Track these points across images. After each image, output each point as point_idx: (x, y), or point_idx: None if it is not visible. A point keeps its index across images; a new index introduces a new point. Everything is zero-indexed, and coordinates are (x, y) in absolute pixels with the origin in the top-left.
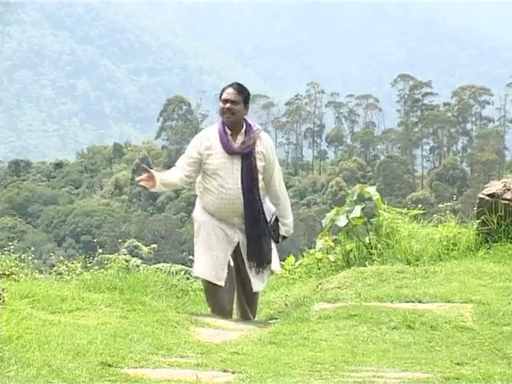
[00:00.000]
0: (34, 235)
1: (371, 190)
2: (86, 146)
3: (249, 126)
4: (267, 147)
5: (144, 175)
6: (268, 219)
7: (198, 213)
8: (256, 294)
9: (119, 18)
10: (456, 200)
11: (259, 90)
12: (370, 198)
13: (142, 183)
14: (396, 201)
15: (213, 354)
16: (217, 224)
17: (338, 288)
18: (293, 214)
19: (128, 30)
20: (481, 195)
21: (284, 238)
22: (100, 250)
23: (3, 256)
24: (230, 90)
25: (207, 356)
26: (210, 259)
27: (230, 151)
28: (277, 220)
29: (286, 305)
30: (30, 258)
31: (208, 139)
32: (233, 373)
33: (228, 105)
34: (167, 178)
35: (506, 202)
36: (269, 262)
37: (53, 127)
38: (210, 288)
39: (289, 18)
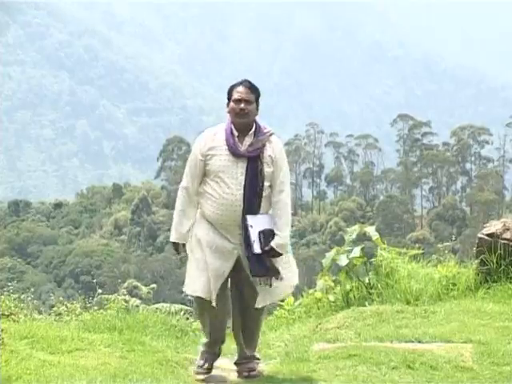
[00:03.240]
0: (33, 275)
1: (370, 230)
2: (86, 186)
3: (258, 127)
4: (277, 152)
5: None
6: (263, 227)
7: (197, 227)
8: (258, 311)
9: (119, 59)
10: (455, 240)
11: None
12: (369, 238)
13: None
14: (395, 240)
15: None
16: (216, 239)
17: (338, 328)
18: (292, 254)
19: (127, 71)
20: (480, 235)
21: (276, 252)
22: (99, 291)
23: (3, 296)
24: (242, 89)
25: None
26: (205, 277)
27: (235, 153)
28: (272, 232)
29: (285, 345)
30: (29, 298)
31: (213, 139)
32: None
33: (242, 105)
34: (189, 218)
35: (506, 241)
36: (274, 273)
37: (52, 167)
38: (202, 307)
39: (288, 58)
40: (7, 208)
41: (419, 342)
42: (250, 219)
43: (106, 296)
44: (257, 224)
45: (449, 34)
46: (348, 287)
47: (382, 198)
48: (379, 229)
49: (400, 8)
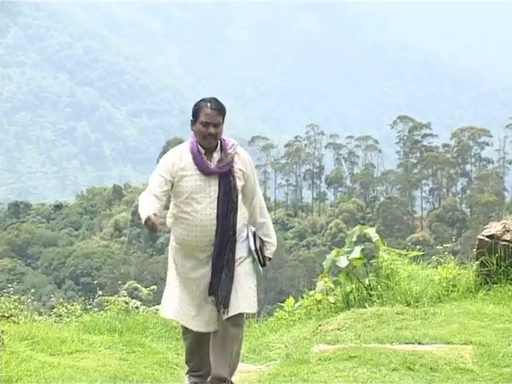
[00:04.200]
0: (33, 277)
1: (371, 232)
2: (86, 187)
3: (223, 141)
4: (246, 164)
5: (155, 220)
6: (253, 243)
7: (170, 252)
8: (236, 330)
9: (119, 60)
10: (455, 241)
11: (258, 132)
12: (369, 239)
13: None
14: (396, 242)
15: None
16: (188, 265)
17: (338, 330)
18: (292, 256)
19: (127, 72)
20: (480, 236)
21: (269, 259)
22: (100, 292)
23: (3, 298)
24: (210, 111)
25: None
26: (183, 302)
27: (206, 172)
28: (260, 240)
29: (285, 346)
30: (29, 300)
31: (181, 159)
32: None
33: (211, 129)
34: (155, 205)
35: (506, 243)
36: (225, 297)
37: (52, 169)
38: (183, 331)
39: (288, 60)
40: (7, 209)
41: (419, 343)
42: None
43: (106, 297)
44: (252, 245)
45: (449, 36)
46: (348, 289)
47: (382, 199)
48: (379, 230)
49: (400, 10)
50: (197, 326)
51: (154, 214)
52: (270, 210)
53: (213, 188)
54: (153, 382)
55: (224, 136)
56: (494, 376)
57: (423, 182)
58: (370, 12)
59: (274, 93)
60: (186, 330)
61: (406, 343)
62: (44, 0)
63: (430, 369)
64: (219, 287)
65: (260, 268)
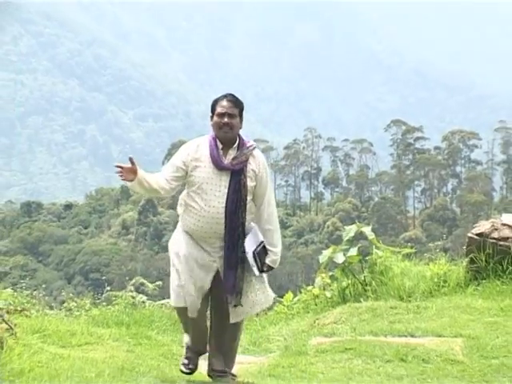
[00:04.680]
0: (44, 273)
1: (367, 230)
2: (95, 188)
3: (242, 140)
4: (260, 166)
5: (126, 165)
6: (255, 246)
7: (175, 239)
8: (235, 327)
9: (126, 67)
10: (446, 239)
11: (259, 135)
12: (364, 237)
13: (120, 174)
14: (389, 240)
15: None
16: (195, 253)
17: (334, 323)
18: (291, 253)
19: (134, 78)
20: (470, 234)
21: (270, 268)
22: (108, 287)
23: (16, 293)
24: (226, 103)
25: None
26: (186, 289)
27: (219, 166)
28: (264, 248)
29: (284, 339)
30: (41, 294)
31: (197, 150)
32: None
33: (226, 119)
34: (149, 178)
35: (494, 240)
36: (240, 294)
37: (63, 170)
38: (185, 317)
39: (287, 67)
40: (20, 209)
41: (412, 336)
42: (245, 245)
43: (114, 292)
44: (249, 246)
45: (440, 45)
46: (344, 284)
47: (376, 199)
48: (374, 229)
49: (394, 19)
50: (202, 315)
51: (132, 162)
52: None
53: (223, 183)
54: (158, 372)
55: (245, 137)
56: (483, 367)
57: (415, 182)
58: (366, 21)
59: (274, 98)
60: (182, 318)
61: (399, 336)
62: (55, 9)
63: (422, 360)
64: (235, 283)
65: (256, 272)
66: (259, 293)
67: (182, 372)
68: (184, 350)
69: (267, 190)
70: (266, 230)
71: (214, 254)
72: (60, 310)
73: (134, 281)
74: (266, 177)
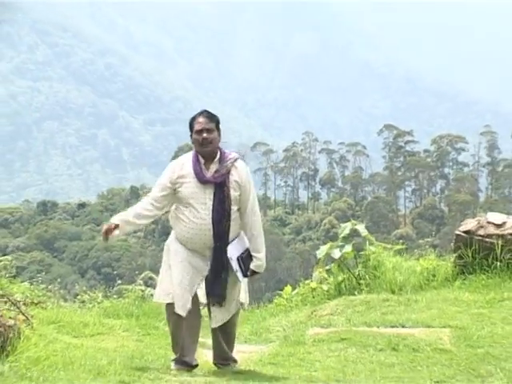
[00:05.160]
0: (59, 268)
1: (360, 228)
2: (106, 188)
3: (223, 153)
4: (242, 176)
5: (104, 227)
6: (240, 252)
7: (171, 242)
8: (230, 326)
9: (136, 75)
10: (435, 236)
11: (260, 139)
12: (359, 234)
13: (104, 235)
14: (382, 237)
15: (219, 374)
16: (189, 254)
17: (331, 315)
18: (289, 249)
19: (143, 86)
20: (457, 232)
21: (254, 273)
22: (119, 281)
23: (32, 286)
24: (202, 119)
25: (214, 375)
26: (179, 288)
27: (202, 180)
28: (249, 254)
29: (283, 329)
30: (56, 288)
31: (182, 168)
32: None
33: (205, 134)
34: (131, 218)
35: (480, 237)
36: (223, 298)
37: (77, 172)
38: (174, 316)
39: (286, 75)
40: (36, 208)
41: (403, 326)
42: (228, 251)
43: (125, 286)
44: (233, 253)
45: (429, 55)
46: (340, 278)
47: (369, 198)
48: (367, 226)
49: (387, 32)
50: (181, 308)
51: (115, 225)
52: (270, 208)
53: (208, 196)
54: (166, 361)
55: (227, 150)
56: (469, 356)
57: (406, 183)
58: (360, 33)
59: (274, 104)
60: (170, 314)
61: (391, 327)
62: (70, 21)
63: (413, 349)
64: (217, 288)
65: (240, 277)
66: (238, 296)
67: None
68: (172, 364)
69: (250, 198)
70: (250, 235)
71: (205, 262)
72: (74, 302)
73: (142, 275)
74: (250, 186)
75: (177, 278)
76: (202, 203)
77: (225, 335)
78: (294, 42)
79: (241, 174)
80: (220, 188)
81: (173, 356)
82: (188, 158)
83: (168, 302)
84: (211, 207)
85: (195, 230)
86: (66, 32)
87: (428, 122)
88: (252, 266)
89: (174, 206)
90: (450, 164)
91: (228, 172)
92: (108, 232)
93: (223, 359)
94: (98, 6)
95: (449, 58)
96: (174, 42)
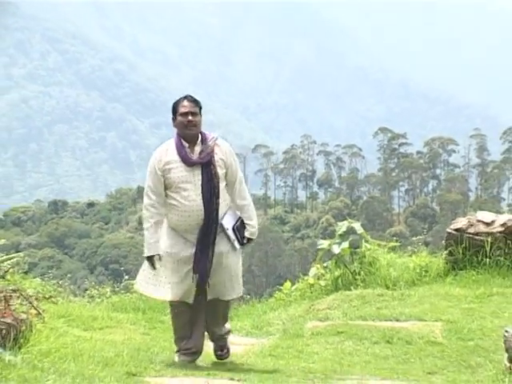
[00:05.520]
0: (69, 264)
1: (356, 226)
2: (114, 188)
3: (204, 135)
4: (227, 153)
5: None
6: (233, 222)
7: (162, 240)
8: (225, 303)
9: (142, 80)
10: (427, 234)
11: (261, 141)
12: (355, 232)
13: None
14: (377, 234)
15: (221, 365)
16: (178, 247)
17: (328, 309)
18: (288, 246)
19: (150, 90)
20: (448, 230)
21: (249, 240)
22: (126, 277)
23: (44, 282)
24: (187, 103)
25: (217, 366)
26: (180, 284)
27: (189, 163)
28: (242, 223)
29: (283, 323)
30: (66, 283)
31: (166, 154)
32: (238, 381)
33: (190, 117)
34: (154, 233)
35: (470, 235)
36: (207, 275)
37: (86, 172)
38: (179, 311)
39: (285, 80)
40: (48, 207)
41: (397, 320)
42: (224, 223)
43: (132, 281)
44: (228, 224)
45: (422, 61)
46: (337, 274)
47: (365, 198)
48: (363, 224)
49: (381, 39)
50: (176, 295)
51: (158, 255)
52: (270, 207)
53: (197, 177)
54: (171, 353)
55: (205, 131)
56: (460, 348)
57: (400, 183)
58: (355, 41)
59: (274, 108)
60: (173, 307)
61: (386, 320)
62: (79, 30)
63: (406, 342)
64: (203, 265)
65: (237, 245)
66: (233, 281)
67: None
68: (175, 356)
69: (238, 172)
70: (241, 205)
71: (194, 241)
72: (83, 297)
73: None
74: (235, 161)
75: (176, 278)
76: (193, 185)
77: (217, 322)
78: (292, 50)
79: (224, 151)
80: (207, 167)
81: (175, 348)
82: (170, 144)
83: (173, 299)
84: (200, 187)
85: (188, 212)
86: (75, 39)
87: (421, 125)
88: (247, 233)
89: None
90: (442, 165)
91: (212, 151)
92: (155, 265)
93: (217, 338)
94: (107, 15)
95: (441, 65)
96: (179, 50)
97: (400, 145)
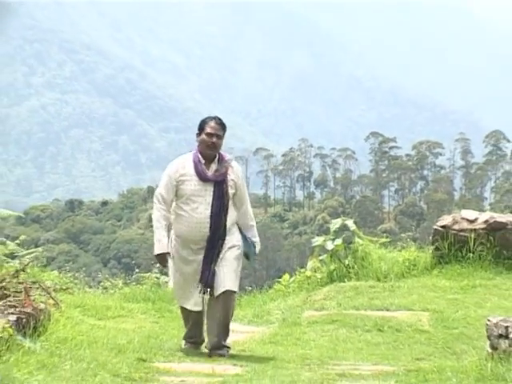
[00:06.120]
0: (85, 258)
1: (349, 223)
2: (126, 188)
3: (221, 155)
4: (238, 176)
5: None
6: (238, 243)
7: (173, 246)
8: (226, 306)
9: (152, 88)
10: (415, 231)
11: (261, 144)
12: (348, 229)
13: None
14: (368, 231)
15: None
16: (184, 253)
17: (324, 299)
18: (287, 242)
19: (159, 97)
20: (435, 227)
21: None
22: (137, 270)
23: (61, 274)
24: (215, 125)
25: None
26: (188, 289)
27: (203, 179)
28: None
29: (282, 312)
30: (81, 276)
31: (183, 167)
32: (241, 366)
33: (214, 139)
34: (162, 232)
35: (455, 231)
36: (211, 287)
37: (100, 173)
38: (188, 314)
39: (285, 88)
40: (65, 205)
41: (387, 310)
42: (249, 238)
43: (142, 274)
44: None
45: (411, 71)
46: (331, 267)
47: (358, 197)
48: (355, 222)
49: (373, 50)
50: (190, 305)
51: (168, 253)
52: (270, 206)
53: (208, 193)
54: (178, 340)
55: (222, 152)
56: (445, 335)
57: (390, 183)
58: (349, 52)
59: (274, 113)
60: (183, 309)
61: (377, 310)
62: (94, 41)
63: (396, 330)
64: (208, 276)
65: (257, 251)
66: (230, 278)
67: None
68: (182, 343)
69: (245, 194)
70: (250, 225)
71: (197, 251)
72: (97, 288)
73: (158, 264)
74: (243, 183)
75: (184, 284)
76: (203, 199)
77: (220, 323)
78: (291, 60)
79: (237, 173)
80: (219, 185)
81: (183, 334)
82: (189, 158)
83: (183, 306)
84: (210, 203)
85: (194, 223)
86: (90, 50)
87: (409, 129)
88: (257, 250)
89: (173, 205)
90: (429, 167)
91: (226, 171)
92: (165, 262)
93: (216, 348)
94: (119, 28)
95: (428, 74)
96: (186, 60)
97: (390, 148)
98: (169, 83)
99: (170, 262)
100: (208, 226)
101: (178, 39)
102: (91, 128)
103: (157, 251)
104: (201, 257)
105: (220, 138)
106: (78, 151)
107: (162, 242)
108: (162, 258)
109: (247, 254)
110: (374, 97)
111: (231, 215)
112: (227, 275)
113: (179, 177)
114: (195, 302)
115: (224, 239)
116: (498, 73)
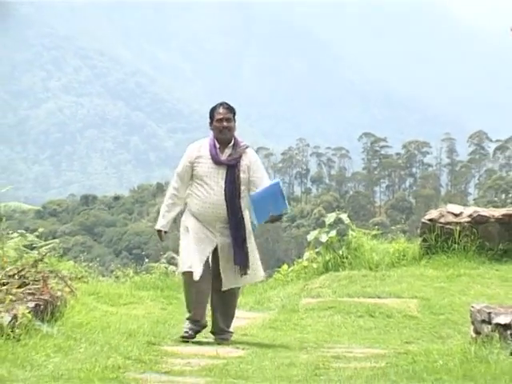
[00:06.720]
0: (98, 249)
1: (343, 216)
2: (137, 184)
3: (237, 141)
4: (252, 161)
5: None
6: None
7: (184, 217)
8: (232, 294)
9: (161, 92)
10: (404, 223)
11: (262, 144)
12: (342, 222)
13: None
14: (361, 224)
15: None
16: (200, 228)
17: (320, 287)
18: (286, 234)
19: (167, 100)
20: (423, 220)
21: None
22: (146, 260)
23: (76, 264)
24: (222, 110)
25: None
26: (192, 257)
27: (217, 162)
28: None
29: (281, 299)
30: (95, 266)
31: (199, 150)
32: (243, 349)
33: (225, 123)
34: (171, 214)
35: (441, 224)
36: (248, 266)
37: (112, 171)
38: (189, 283)
39: (284, 92)
40: (80, 200)
41: (378, 297)
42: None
43: (152, 264)
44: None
45: (402, 76)
46: (327, 258)
47: (351, 193)
48: (349, 215)
49: (366, 56)
50: (193, 270)
51: (165, 232)
52: None
53: (221, 176)
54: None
55: (239, 138)
56: (432, 321)
57: (381, 180)
58: (344, 58)
59: (273, 115)
60: (187, 284)
61: (369, 297)
62: (106, 47)
63: (386, 316)
64: (242, 258)
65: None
66: (251, 269)
67: (183, 338)
68: (185, 323)
69: (264, 173)
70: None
71: (215, 233)
72: (110, 277)
73: (166, 255)
74: (260, 166)
75: (192, 249)
76: (215, 181)
77: (225, 309)
78: (290, 66)
79: (250, 159)
80: (231, 170)
81: (187, 315)
82: (205, 142)
83: (185, 270)
84: (223, 186)
85: (208, 203)
86: (103, 56)
87: (399, 130)
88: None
89: (191, 185)
90: (417, 165)
91: (240, 156)
92: (161, 238)
93: (220, 330)
94: (130, 36)
95: (418, 79)
96: (192, 65)
97: (381, 147)
98: (176, 87)
99: (183, 234)
100: (223, 207)
101: (185, 46)
102: (104, 129)
103: (157, 226)
104: (220, 239)
105: (230, 120)
106: (92, 150)
107: (163, 219)
108: (159, 234)
109: (276, 216)
110: (368, 100)
111: (244, 199)
112: (253, 267)
113: (195, 158)
114: (198, 271)
115: (243, 222)
116: (483, 77)
